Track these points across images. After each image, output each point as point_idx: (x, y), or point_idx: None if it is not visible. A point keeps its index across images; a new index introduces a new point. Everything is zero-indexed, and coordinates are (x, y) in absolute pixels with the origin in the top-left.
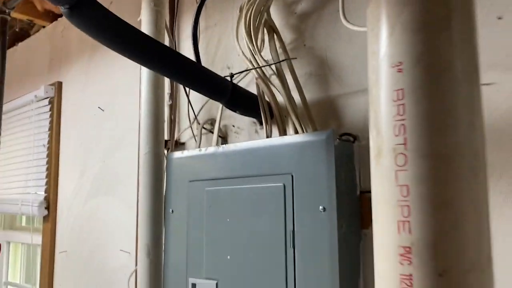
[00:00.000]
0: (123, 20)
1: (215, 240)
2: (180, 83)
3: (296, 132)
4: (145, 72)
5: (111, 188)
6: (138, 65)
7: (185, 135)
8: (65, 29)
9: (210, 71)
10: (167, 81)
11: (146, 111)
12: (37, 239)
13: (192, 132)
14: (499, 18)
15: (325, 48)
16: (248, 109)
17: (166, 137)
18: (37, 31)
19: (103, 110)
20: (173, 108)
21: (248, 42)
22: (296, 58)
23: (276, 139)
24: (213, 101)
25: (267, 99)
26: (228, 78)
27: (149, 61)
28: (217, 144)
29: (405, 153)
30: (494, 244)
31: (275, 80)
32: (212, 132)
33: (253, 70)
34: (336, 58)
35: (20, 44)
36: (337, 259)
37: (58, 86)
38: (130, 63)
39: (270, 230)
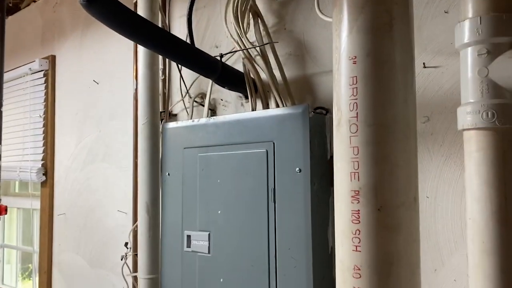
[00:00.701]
0: (132, 10)
1: (207, 198)
2: (178, 63)
3: (277, 105)
4: (141, 50)
5: (107, 155)
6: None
7: (177, 108)
8: (57, 4)
9: (203, 51)
10: (160, 57)
11: (143, 85)
12: (35, 204)
13: (184, 105)
14: (446, 12)
15: (303, 31)
16: (235, 85)
17: (160, 109)
18: (28, 5)
19: (97, 83)
20: (166, 82)
21: (236, 26)
22: (277, 42)
23: (260, 112)
24: (203, 77)
25: (252, 76)
26: (218, 58)
27: (154, 45)
28: (207, 115)
29: (356, 124)
30: (435, 195)
31: (259, 60)
32: (203, 105)
33: (240, 51)
34: (312, 41)
35: (10, 17)
36: (310, 211)
37: (52, 59)
38: (124, 38)
39: (255, 189)
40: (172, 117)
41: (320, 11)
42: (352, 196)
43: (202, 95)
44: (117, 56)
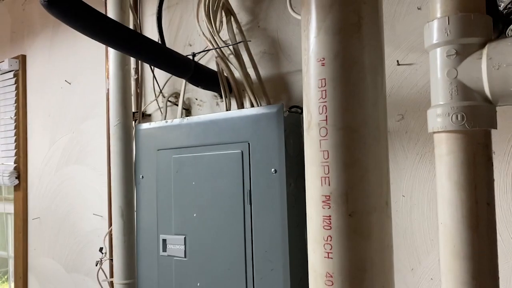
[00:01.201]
0: (97, 10)
1: (182, 201)
2: (149, 64)
3: (252, 105)
4: (112, 50)
5: (81, 157)
6: None
7: (150, 108)
8: (26, 2)
9: (174, 51)
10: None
11: (114, 85)
12: (8, 208)
13: (158, 105)
14: (419, 9)
15: (276, 29)
16: (209, 85)
17: (133, 109)
18: None
19: (69, 83)
20: (139, 82)
21: (208, 24)
22: (250, 40)
23: (235, 112)
24: (175, 77)
25: (226, 75)
26: (190, 57)
27: (121, 46)
28: (181, 116)
29: (326, 127)
30: (410, 194)
31: (232, 59)
32: (177, 105)
33: (213, 50)
34: (286, 39)
35: None
36: (286, 212)
37: (22, 59)
38: None
39: (230, 191)
40: (146, 117)
41: (293, 9)
42: (323, 201)
43: (176, 95)
44: (89, 55)
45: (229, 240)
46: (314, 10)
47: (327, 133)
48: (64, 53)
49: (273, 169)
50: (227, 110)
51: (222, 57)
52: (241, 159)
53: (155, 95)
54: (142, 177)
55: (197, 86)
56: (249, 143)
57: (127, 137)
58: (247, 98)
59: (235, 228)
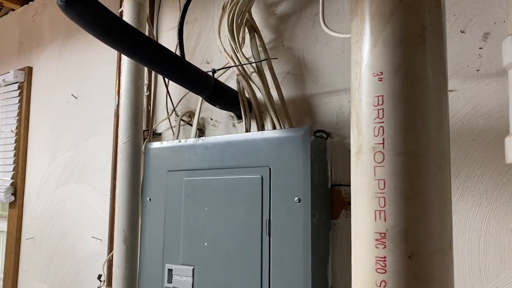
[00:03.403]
0: (117, 16)
1: (192, 228)
2: (167, 78)
3: (274, 127)
4: (125, 63)
5: (83, 175)
6: (115, 54)
7: (161, 127)
8: (37, 14)
9: (194, 66)
10: (146, 72)
11: (126, 100)
12: (1, 225)
13: (170, 124)
14: (462, 32)
15: (302, 49)
16: (227, 104)
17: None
18: (6, 13)
19: (76, 98)
20: (151, 99)
21: (231, 40)
22: (277, 58)
23: (255, 134)
24: (191, 94)
25: (246, 95)
26: (210, 74)
27: (140, 55)
28: (195, 136)
29: (382, 152)
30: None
31: (255, 77)
32: (190, 124)
33: (235, 67)
34: (313, 59)
35: None
36: (310, 246)
37: (28, 71)
38: (106, 51)
39: (247, 219)
40: (156, 136)
41: (326, 25)
42: (377, 240)
43: (190, 114)
44: (98, 70)
45: (243, 274)
46: (369, 19)
47: (383, 158)
48: (72, 67)
49: (296, 198)
50: (246, 131)
51: (244, 75)
52: (261, 185)
53: (167, 113)
54: (150, 199)
55: (214, 105)
56: (270, 168)
57: (136, 156)
58: (268, 120)
59: (251, 261)
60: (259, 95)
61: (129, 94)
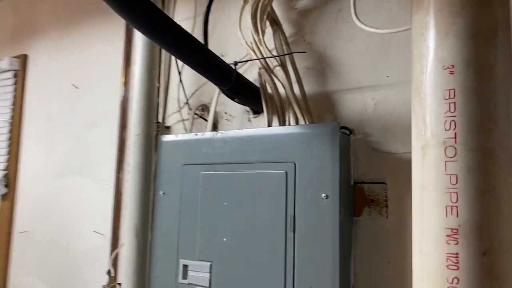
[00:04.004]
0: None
1: (210, 223)
2: (191, 66)
3: (297, 122)
4: (139, 52)
5: (82, 168)
6: (121, 44)
7: (171, 119)
8: (34, 0)
9: (218, 57)
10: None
11: (139, 91)
12: None
13: (181, 116)
14: None
15: (324, 44)
16: (246, 98)
17: None
18: None
19: (77, 88)
20: (165, 91)
21: (253, 32)
22: (304, 52)
23: (280, 128)
24: (204, 87)
25: (269, 89)
26: (232, 66)
27: (166, 40)
28: (211, 130)
29: (454, 146)
30: None
31: (279, 71)
32: (203, 118)
33: (256, 60)
34: (335, 55)
35: None
36: (338, 244)
37: (23, 59)
38: (111, 41)
39: (270, 215)
40: (165, 129)
41: (359, 19)
42: (448, 236)
43: (203, 107)
44: (102, 60)
45: (265, 271)
46: (438, 11)
47: (456, 153)
48: (72, 56)
49: (323, 194)
50: (269, 126)
51: (267, 69)
52: (285, 181)
53: (179, 105)
54: (163, 193)
55: (233, 99)
56: (295, 164)
57: (148, 148)
58: (291, 115)
59: (274, 257)
60: (281, 89)
61: (143, 85)
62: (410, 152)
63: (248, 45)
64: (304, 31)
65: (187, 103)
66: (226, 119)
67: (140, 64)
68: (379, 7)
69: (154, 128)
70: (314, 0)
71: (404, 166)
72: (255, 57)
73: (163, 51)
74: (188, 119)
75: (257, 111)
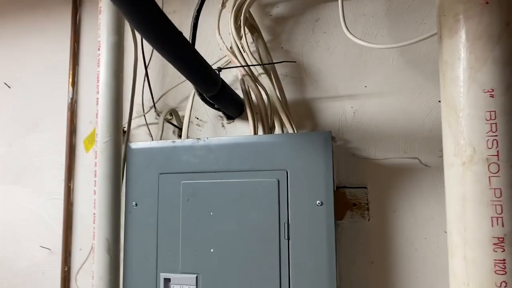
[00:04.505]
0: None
1: (194, 234)
2: (183, 70)
3: (282, 130)
4: (104, 53)
5: (20, 176)
6: (68, 41)
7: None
8: None
9: (207, 62)
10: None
11: (106, 96)
12: None
13: (145, 121)
14: None
15: (302, 53)
16: (226, 104)
17: None
18: None
19: (9, 87)
20: (131, 95)
21: (236, 38)
22: (295, 61)
23: (270, 136)
24: (170, 91)
25: (253, 96)
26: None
27: (157, 38)
28: (187, 136)
29: (497, 163)
30: None
31: (264, 79)
32: (171, 123)
33: (239, 67)
34: (314, 64)
35: None
36: (334, 249)
37: None
38: (52, 39)
39: (262, 223)
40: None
41: (349, 31)
42: (495, 244)
43: (172, 112)
44: (41, 58)
45: (259, 279)
46: (476, 39)
47: (499, 169)
48: (4, 52)
49: (318, 201)
50: (255, 134)
51: (251, 76)
52: (277, 189)
53: (143, 110)
54: (136, 204)
55: (211, 105)
56: (287, 171)
57: (117, 156)
58: (276, 123)
59: (268, 265)
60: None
61: (110, 89)
62: (388, 158)
63: (229, 51)
64: (281, 39)
65: (154, 107)
66: (197, 124)
67: (106, 66)
68: (356, 19)
69: (121, 134)
70: (290, 9)
71: (383, 171)
72: (237, 63)
73: None
74: (151, 124)
75: (231, 117)
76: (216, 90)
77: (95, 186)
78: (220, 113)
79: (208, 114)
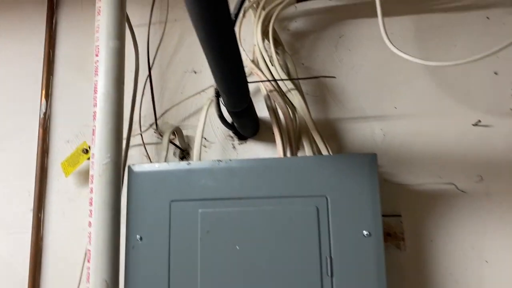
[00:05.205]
0: None
1: (216, 272)
2: (224, 77)
3: (314, 152)
4: (103, 61)
5: None
6: (41, 48)
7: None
8: None
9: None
10: None
11: (107, 109)
12: None
13: (142, 140)
14: (496, 73)
15: (323, 70)
16: (246, 123)
17: None
18: None
19: None
20: (131, 111)
21: (262, 51)
22: (335, 77)
23: (305, 158)
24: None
25: (281, 115)
26: None
27: (216, 46)
28: (181, 157)
29: None
30: (495, 259)
31: (295, 95)
32: (173, 143)
33: (266, 82)
34: (338, 83)
35: None
36: (385, 283)
37: None
38: (25, 39)
39: (300, 258)
40: None
41: (392, 43)
42: None
43: (176, 130)
44: (11, 63)
45: None
46: None
47: None
48: None
49: (365, 232)
50: (285, 155)
51: (280, 92)
52: (317, 218)
53: (140, 128)
54: (141, 238)
55: (226, 124)
56: (327, 198)
57: (117, 181)
58: (305, 143)
59: None
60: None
61: (110, 101)
62: (423, 184)
63: (254, 63)
64: (300, 55)
65: (155, 123)
66: (203, 145)
67: (106, 75)
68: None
69: (122, 155)
70: (310, 23)
71: (417, 198)
72: (262, 77)
73: None
74: (148, 144)
75: (243, 137)
76: (245, 104)
77: (90, 216)
78: (231, 133)
79: (216, 133)
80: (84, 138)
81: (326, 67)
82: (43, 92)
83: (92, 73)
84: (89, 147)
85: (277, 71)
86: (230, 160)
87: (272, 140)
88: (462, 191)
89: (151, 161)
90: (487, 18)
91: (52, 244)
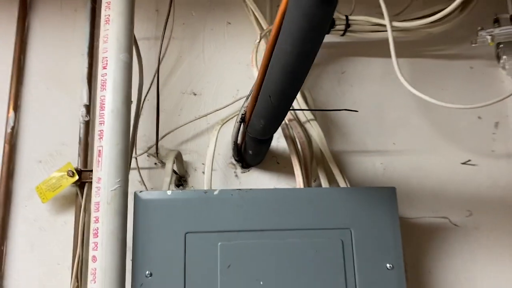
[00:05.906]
0: None
1: None
2: (285, 103)
3: (330, 184)
4: (112, 75)
5: None
6: (10, 50)
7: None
8: None
9: None
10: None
11: (117, 128)
12: None
13: (136, 164)
14: (479, 118)
15: (327, 103)
16: (263, 151)
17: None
18: None
19: None
20: (133, 131)
21: None
22: (357, 111)
23: (330, 189)
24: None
25: (299, 145)
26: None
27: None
28: (178, 184)
29: None
30: None
31: (314, 126)
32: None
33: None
34: (340, 116)
35: None
36: None
37: None
38: None
39: None
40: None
41: (408, 82)
42: None
43: (176, 156)
44: None
45: None
46: None
47: None
48: None
49: (389, 265)
50: (305, 186)
51: (299, 121)
52: (342, 251)
53: (135, 151)
54: (150, 274)
55: (237, 153)
56: (351, 231)
57: (124, 210)
58: (322, 175)
59: None
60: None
61: (121, 120)
62: (421, 217)
63: None
64: (304, 86)
65: (156, 145)
66: (202, 172)
67: (115, 91)
68: (385, 76)
69: (128, 181)
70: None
71: (415, 230)
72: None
73: None
74: (143, 169)
75: (246, 165)
76: (274, 132)
77: (95, 250)
78: (233, 161)
79: (217, 160)
80: (61, 158)
81: (329, 100)
82: (11, 103)
83: (70, 84)
84: (76, 169)
85: (297, 101)
86: (251, 189)
87: (275, 170)
88: (455, 224)
89: (146, 188)
90: (471, 67)
91: (15, 284)
